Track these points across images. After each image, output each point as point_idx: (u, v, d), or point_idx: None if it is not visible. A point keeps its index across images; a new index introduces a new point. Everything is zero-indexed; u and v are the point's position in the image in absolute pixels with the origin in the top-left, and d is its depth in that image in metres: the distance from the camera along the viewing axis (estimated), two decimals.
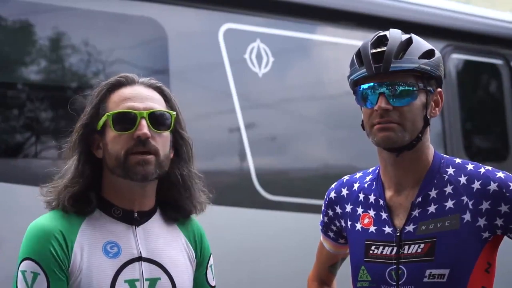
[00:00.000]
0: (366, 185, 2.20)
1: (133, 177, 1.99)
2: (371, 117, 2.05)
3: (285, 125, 4.72)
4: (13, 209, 3.69)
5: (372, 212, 2.15)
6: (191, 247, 2.15)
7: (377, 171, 2.20)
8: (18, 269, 1.96)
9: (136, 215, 2.06)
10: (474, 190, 2.03)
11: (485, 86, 6.14)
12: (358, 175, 2.27)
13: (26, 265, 1.95)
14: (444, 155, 2.15)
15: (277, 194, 4.51)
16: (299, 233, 4.42)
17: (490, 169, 2.07)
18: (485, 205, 2.02)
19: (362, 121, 2.12)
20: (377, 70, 2.03)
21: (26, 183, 3.69)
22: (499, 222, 2.01)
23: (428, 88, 2.07)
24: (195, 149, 2.15)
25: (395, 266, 2.06)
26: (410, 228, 2.07)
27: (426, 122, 2.07)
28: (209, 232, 2.25)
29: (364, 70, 2.06)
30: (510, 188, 2.01)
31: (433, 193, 2.08)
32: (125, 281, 1.99)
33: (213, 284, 2.22)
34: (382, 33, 2.11)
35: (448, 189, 2.07)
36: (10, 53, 3.96)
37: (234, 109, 4.43)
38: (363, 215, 2.17)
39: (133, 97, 2.04)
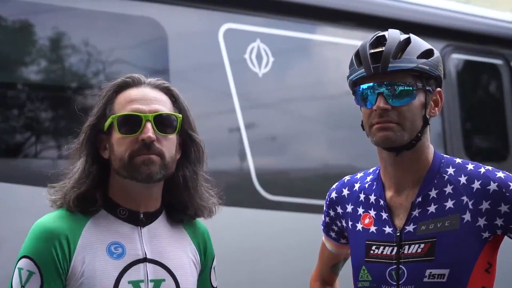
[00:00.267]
0: (366, 185, 2.20)
1: (138, 177, 1.99)
2: (370, 117, 2.05)
3: (285, 125, 4.72)
4: (13, 209, 3.69)
5: (372, 212, 2.15)
6: (196, 249, 2.15)
7: (377, 171, 2.20)
8: (16, 265, 1.97)
9: (141, 216, 2.06)
10: (474, 190, 2.03)
11: (485, 86, 6.13)
12: (359, 175, 2.27)
13: (23, 263, 1.96)
14: (445, 155, 2.16)
15: (277, 194, 4.51)
16: (299, 233, 4.43)
17: (490, 169, 2.07)
18: (485, 205, 2.02)
19: (362, 121, 2.12)
20: (376, 70, 2.04)
21: (26, 183, 3.69)
22: (499, 222, 2.01)
23: (427, 88, 2.07)
24: None
25: (395, 266, 2.06)
26: (410, 228, 2.07)
27: (426, 122, 2.07)
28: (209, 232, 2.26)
29: (363, 70, 2.06)
30: (510, 188, 2.01)
31: (433, 193, 2.08)
32: (129, 282, 1.98)
33: (215, 285, 2.22)
34: (381, 33, 2.11)
35: (448, 189, 2.07)
36: (10, 53, 3.96)
37: (234, 109, 4.43)
38: (363, 215, 2.17)
39: (139, 99, 2.03)
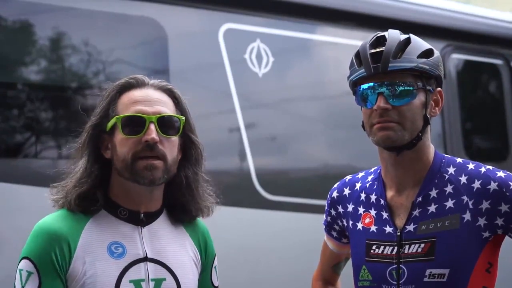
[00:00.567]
0: (367, 185, 2.21)
1: (140, 181, 2.00)
2: (371, 117, 2.05)
3: (285, 125, 4.72)
4: (13, 209, 3.69)
5: (373, 212, 2.15)
6: (196, 249, 2.16)
7: (379, 171, 2.20)
8: (17, 267, 1.98)
9: (142, 216, 2.06)
10: (474, 189, 2.03)
11: (485, 86, 6.13)
12: (360, 174, 2.27)
13: (23, 264, 1.97)
14: (446, 155, 2.16)
15: (277, 194, 4.51)
16: (299, 233, 4.43)
17: (491, 168, 2.07)
18: (485, 205, 2.02)
19: (363, 121, 2.12)
20: (376, 70, 2.04)
21: (26, 183, 3.69)
22: (499, 221, 2.01)
23: (428, 88, 2.07)
24: None
25: (395, 265, 2.06)
26: (410, 227, 2.07)
27: (426, 122, 2.07)
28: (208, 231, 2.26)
29: (363, 70, 2.06)
30: (510, 187, 2.01)
31: (433, 193, 2.08)
32: (131, 281, 1.99)
33: (216, 284, 2.23)
34: (381, 33, 2.11)
35: (449, 188, 2.07)
36: (10, 53, 3.96)
37: (234, 109, 4.43)
38: (364, 215, 2.17)
39: (142, 100, 2.04)
